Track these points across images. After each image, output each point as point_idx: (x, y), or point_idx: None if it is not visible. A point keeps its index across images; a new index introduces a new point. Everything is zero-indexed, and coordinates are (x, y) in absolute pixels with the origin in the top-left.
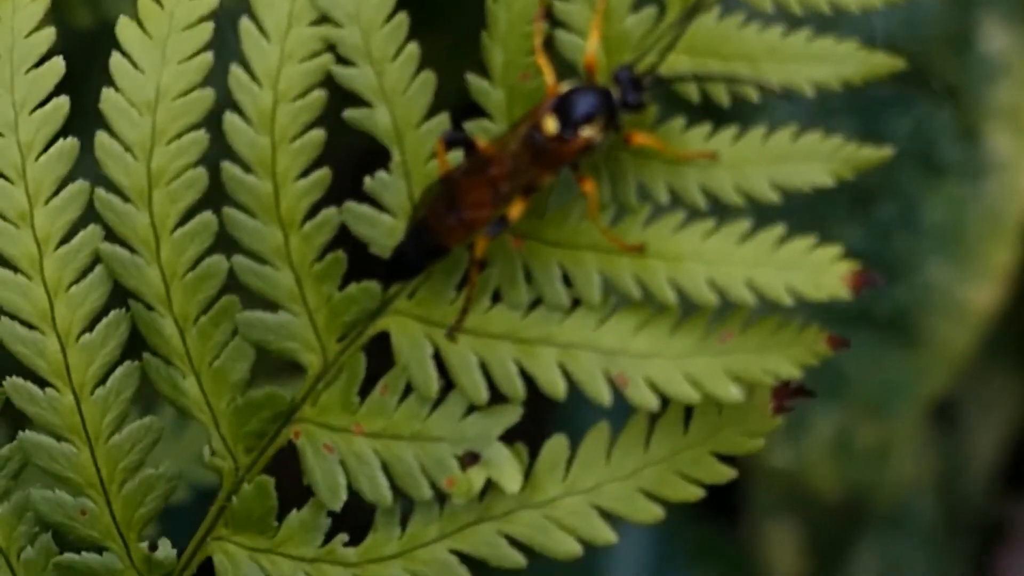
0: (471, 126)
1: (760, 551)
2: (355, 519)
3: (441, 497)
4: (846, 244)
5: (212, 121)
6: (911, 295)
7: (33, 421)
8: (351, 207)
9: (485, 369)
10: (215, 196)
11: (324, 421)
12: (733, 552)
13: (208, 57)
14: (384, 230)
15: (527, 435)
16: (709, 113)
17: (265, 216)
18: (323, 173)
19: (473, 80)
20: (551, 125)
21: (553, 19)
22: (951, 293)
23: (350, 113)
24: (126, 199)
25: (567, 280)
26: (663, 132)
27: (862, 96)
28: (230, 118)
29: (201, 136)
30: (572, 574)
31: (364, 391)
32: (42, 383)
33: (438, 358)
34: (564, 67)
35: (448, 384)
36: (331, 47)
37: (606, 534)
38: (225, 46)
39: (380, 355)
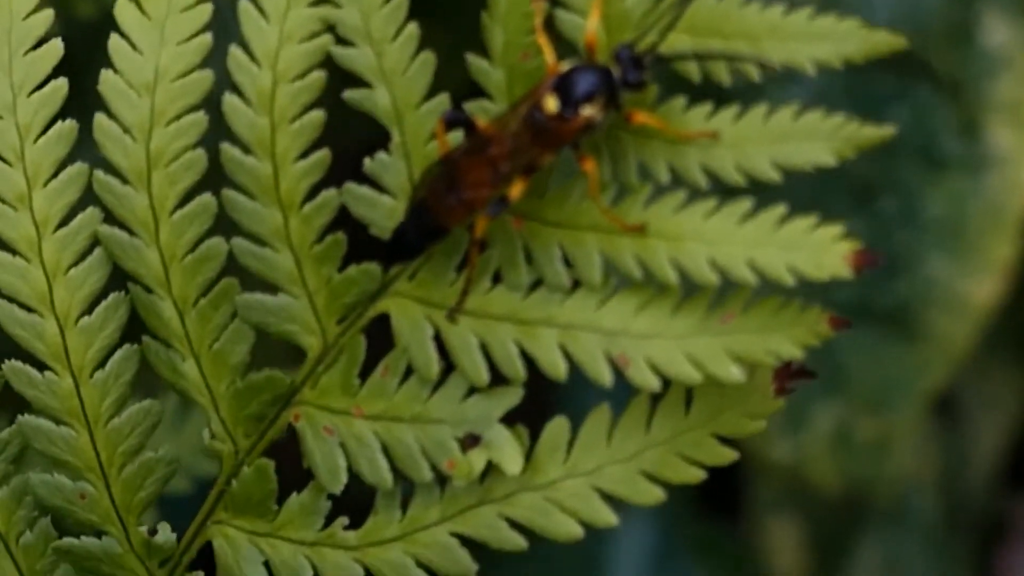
0: (471, 106)
1: (761, 547)
2: (355, 502)
3: (442, 480)
4: None
5: (211, 103)
6: (912, 289)
7: (32, 404)
8: (351, 188)
9: (486, 351)
10: (214, 178)
11: (324, 404)
12: (734, 548)
13: (207, 38)
14: (384, 211)
15: (528, 417)
16: (709, 96)
17: (264, 198)
18: (323, 154)
19: (473, 60)
20: (552, 104)
21: None
22: (952, 287)
23: (350, 94)
24: (125, 181)
25: (568, 261)
26: (664, 111)
27: (862, 89)
28: (229, 99)
29: (200, 117)
30: (574, 569)
31: (364, 373)
32: (41, 366)
33: (438, 340)
34: (564, 47)
35: (448, 366)
36: (330, 28)
37: (607, 516)
38: (224, 27)
39: (380, 337)
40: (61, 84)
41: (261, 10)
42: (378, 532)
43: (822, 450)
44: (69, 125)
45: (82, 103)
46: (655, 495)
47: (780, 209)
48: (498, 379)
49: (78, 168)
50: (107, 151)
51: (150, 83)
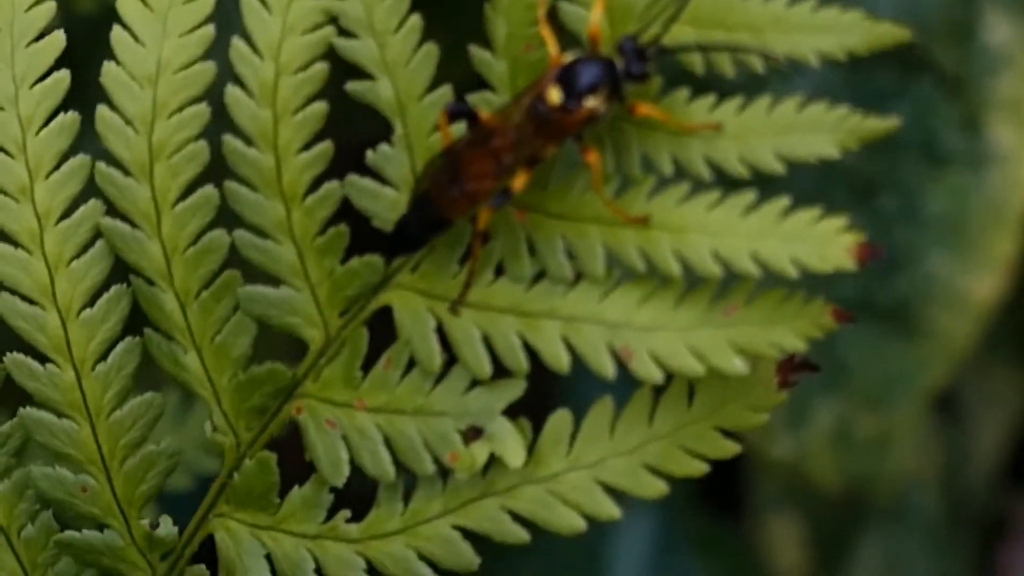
0: (474, 98)
1: (762, 544)
2: (357, 495)
3: (444, 472)
4: None
5: (214, 94)
6: (912, 286)
7: (34, 397)
8: (353, 180)
9: (488, 343)
10: (217, 170)
11: (326, 396)
12: (735, 545)
13: (209, 30)
14: (386, 203)
15: (530, 409)
16: (712, 90)
17: (267, 190)
18: (325, 146)
19: (476, 52)
20: (555, 95)
21: None
22: (953, 284)
23: (352, 86)
24: (127, 173)
25: (571, 253)
26: (667, 103)
27: (863, 86)
28: (232, 91)
29: (202, 109)
30: (574, 564)
31: (366, 366)
32: (43, 359)
33: (441, 332)
34: (568, 39)
35: (451, 358)
36: (333, 19)
37: (610, 509)
38: (226, 19)
39: (383, 329)
40: (63, 76)
41: (263, 2)
42: (380, 525)
43: (823, 447)
44: (71, 117)
45: (82, 97)
46: (658, 488)
47: (784, 201)
48: (501, 371)
49: (80, 160)
50: (109, 143)
51: (152, 75)
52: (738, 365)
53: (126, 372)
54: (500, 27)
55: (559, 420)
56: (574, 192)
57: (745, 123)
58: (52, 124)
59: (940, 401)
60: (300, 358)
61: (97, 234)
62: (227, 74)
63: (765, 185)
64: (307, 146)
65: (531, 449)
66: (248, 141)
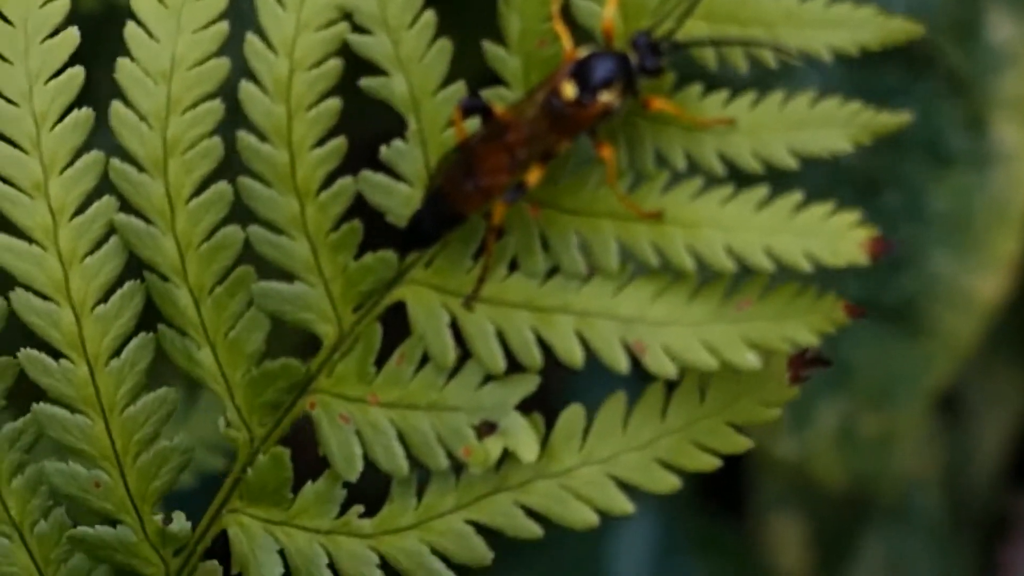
0: (488, 94)
1: (765, 543)
2: (371, 490)
3: (457, 467)
4: None
5: (228, 90)
6: (916, 285)
7: (47, 393)
8: (367, 176)
9: (502, 338)
10: (231, 166)
11: (340, 391)
12: (737, 544)
13: (223, 26)
14: (400, 199)
15: (544, 404)
16: (725, 86)
17: (281, 186)
18: (339, 142)
19: (490, 48)
20: (569, 90)
21: None
22: (957, 283)
23: (366, 82)
24: (141, 169)
25: (584, 248)
26: (681, 98)
27: (868, 84)
28: (246, 87)
29: (216, 105)
30: (577, 563)
31: (380, 361)
32: (56, 354)
33: (455, 327)
34: (581, 34)
35: (465, 353)
36: (347, 15)
37: (623, 504)
38: (240, 15)
39: (396, 325)
40: (77, 72)
41: None
42: (393, 520)
43: (826, 446)
44: (85, 113)
45: (90, 95)
46: (670, 483)
47: (796, 196)
48: (514, 367)
49: (94, 156)
50: (123, 139)
51: (166, 71)
52: (751, 360)
53: (140, 368)
54: (514, 23)
55: (572, 415)
56: (588, 187)
57: (758, 118)
58: (66, 120)
59: (943, 401)
60: (314, 354)
61: (111, 230)
62: (241, 70)
63: (773, 182)
64: (321, 142)
65: (544, 444)
66: (262, 137)
